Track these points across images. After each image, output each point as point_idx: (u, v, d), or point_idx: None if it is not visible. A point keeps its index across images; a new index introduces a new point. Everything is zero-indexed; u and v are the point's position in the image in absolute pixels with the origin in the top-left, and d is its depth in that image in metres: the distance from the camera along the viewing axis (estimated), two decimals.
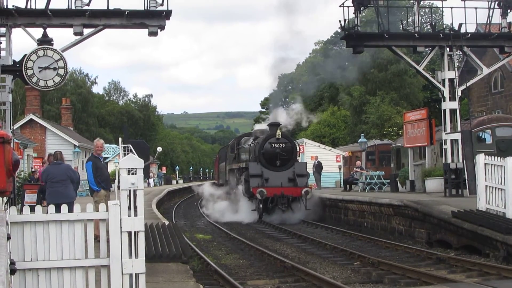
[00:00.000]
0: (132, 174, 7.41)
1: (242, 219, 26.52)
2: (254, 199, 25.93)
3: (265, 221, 25.25)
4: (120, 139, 23.82)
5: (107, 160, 13.42)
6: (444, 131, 21.72)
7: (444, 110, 21.79)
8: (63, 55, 15.83)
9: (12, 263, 6.27)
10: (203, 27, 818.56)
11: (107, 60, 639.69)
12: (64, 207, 7.27)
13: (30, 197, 16.08)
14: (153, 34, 17.62)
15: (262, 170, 25.96)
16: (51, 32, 16.87)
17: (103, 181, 13.32)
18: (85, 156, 44.85)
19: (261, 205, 25.63)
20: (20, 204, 15.80)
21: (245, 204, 27.33)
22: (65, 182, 12.83)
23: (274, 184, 25.55)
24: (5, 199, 7.41)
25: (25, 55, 15.70)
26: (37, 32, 16.75)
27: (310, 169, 31.08)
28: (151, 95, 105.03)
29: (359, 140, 36.79)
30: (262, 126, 32.95)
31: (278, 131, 26.55)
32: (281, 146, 26.42)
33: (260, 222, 25.58)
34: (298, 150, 27.64)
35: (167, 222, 15.97)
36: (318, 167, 35.61)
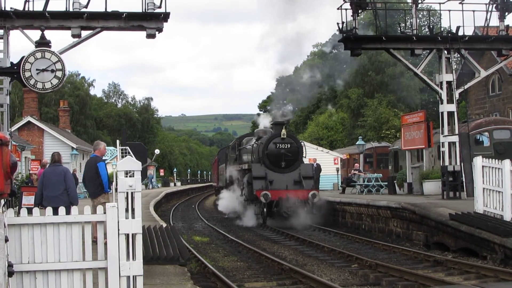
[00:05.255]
0: (130, 176, 7.40)
1: (243, 223, 25.45)
2: (258, 202, 24.21)
3: (270, 226, 23.78)
4: (118, 141, 23.82)
5: (105, 162, 13.43)
6: (442, 134, 21.76)
7: (442, 113, 21.83)
8: (61, 57, 15.81)
9: (10, 265, 6.27)
10: (199, 29, 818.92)
11: (103, 62, 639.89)
12: (62, 209, 7.27)
13: (27, 199, 16.07)
14: (151, 36, 17.62)
15: (266, 172, 24.37)
16: (49, 34, 16.87)
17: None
18: (83, 159, 44.78)
19: (265, 209, 23.74)
20: (17, 206, 15.80)
21: (246, 208, 26.11)
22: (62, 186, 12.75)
23: (279, 186, 23.91)
24: (2, 201, 7.41)
25: (23, 57, 15.67)
26: (35, 34, 16.77)
27: None
28: (151, 98, 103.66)
29: (357, 143, 36.81)
30: (267, 117, 32.17)
31: (283, 131, 24.97)
32: (286, 147, 24.79)
33: (259, 225, 24.49)
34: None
35: (164, 224, 15.97)
36: (317, 169, 35.58)
